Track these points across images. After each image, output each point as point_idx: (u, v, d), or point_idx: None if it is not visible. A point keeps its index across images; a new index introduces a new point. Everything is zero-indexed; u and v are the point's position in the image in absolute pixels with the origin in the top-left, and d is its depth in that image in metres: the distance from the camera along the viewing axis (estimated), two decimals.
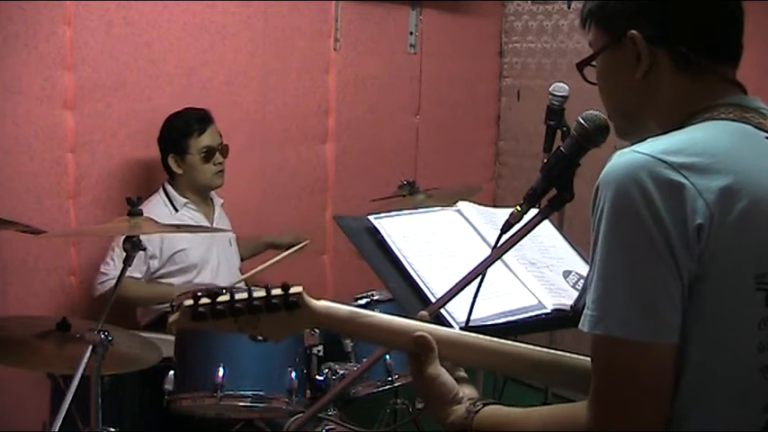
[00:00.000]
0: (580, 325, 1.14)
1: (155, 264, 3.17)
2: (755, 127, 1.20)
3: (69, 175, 3.26)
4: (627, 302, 1.09)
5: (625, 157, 1.13)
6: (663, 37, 1.23)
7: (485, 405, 1.30)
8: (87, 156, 3.30)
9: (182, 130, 3.24)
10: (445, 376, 1.32)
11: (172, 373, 2.51)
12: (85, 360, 2.17)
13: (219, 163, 3.28)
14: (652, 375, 1.11)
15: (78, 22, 3.22)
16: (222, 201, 3.43)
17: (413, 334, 1.34)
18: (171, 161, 3.25)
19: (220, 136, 3.31)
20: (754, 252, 1.12)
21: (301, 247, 3.38)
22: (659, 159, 1.10)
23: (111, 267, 3.09)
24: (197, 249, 3.25)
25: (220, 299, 1.25)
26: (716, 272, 1.10)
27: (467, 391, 1.32)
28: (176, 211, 3.24)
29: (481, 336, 1.38)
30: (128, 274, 2.99)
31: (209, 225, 3.32)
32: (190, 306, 1.25)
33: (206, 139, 3.24)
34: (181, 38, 3.50)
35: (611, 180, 1.12)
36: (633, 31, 1.24)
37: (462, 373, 1.36)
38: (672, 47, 1.23)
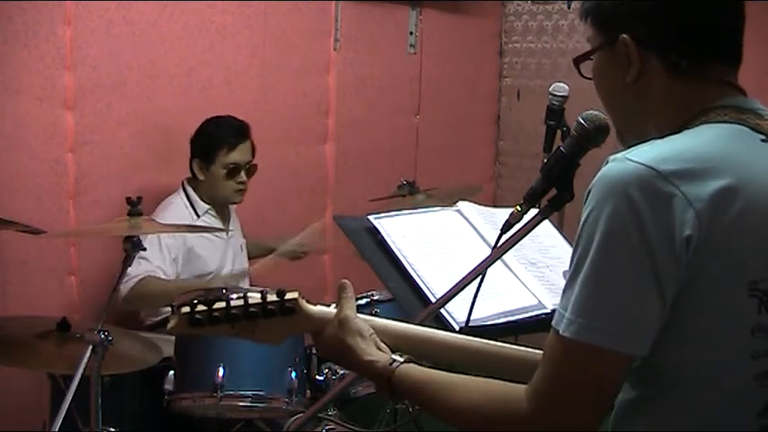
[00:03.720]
0: (553, 322, 1.14)
1: (178, 268, 3.13)
2: (752, 128, 1.19)
3: (69, 175, 3.26)
4: (604, 313, 1.09)
5: (617, 167, 1.12)
6: (653, 42, 1.23)
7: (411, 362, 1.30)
8: (87, 156, 3.30)
9: (213, 139, 3.18)
10: (361, 319, 1.33)
11: (172, 373, 2.51)
12: (85, 360, 2.17)
13: (242, 182, 3.21)
14: (610, 384, 1.12)
15: (78, 22, 3.21)
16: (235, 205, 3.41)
17: (406, 336, 1.34)
18: (195, 165, 3.21)
19: (253, 153, 3.26)
20: (747, 258, 1.11)
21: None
22: (651, 168, 1.10)
23: (135, 268, 2.92)
24: (214, 257, 3.24)
25: (216, 306, 1.26)
26: (706, 279, 1.10)
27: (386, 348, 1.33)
28: (198, 216, 3.22)
29: (471, 338, 1.39)
30: (154, 273, 2.99)
31: (225, 233, 3.29)
32: (187, 313, 1.26)
33: (235, 156, 3.18)
34: (181, 38, 3.49)
35: (602, 189, 1.12)
36: (624, 36, 1.24)
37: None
38: (662, 52, 1.23)
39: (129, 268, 2.88)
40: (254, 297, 1.28)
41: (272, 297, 1.27)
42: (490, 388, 1.22)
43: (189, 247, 3.16)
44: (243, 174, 3.21)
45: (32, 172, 3.17)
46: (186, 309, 1.26)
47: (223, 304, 1.26)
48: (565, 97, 2.71)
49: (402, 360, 1.30)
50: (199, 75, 3.57)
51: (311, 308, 1.33)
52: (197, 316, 1.26)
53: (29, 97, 3.13)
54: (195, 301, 1.27)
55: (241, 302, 1.27)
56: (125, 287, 2.98)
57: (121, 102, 3.36)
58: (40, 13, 3.12)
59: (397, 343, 1.35)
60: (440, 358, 1.40)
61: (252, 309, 1.27)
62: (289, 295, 1.28)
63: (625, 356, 1.10)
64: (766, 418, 1.13)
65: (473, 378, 1.26)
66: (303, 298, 1.32)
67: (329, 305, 1.38)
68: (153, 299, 2.99)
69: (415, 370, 1.29)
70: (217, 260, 3.25)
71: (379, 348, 1.33)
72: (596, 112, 1.51)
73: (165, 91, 3.47)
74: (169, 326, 1.29)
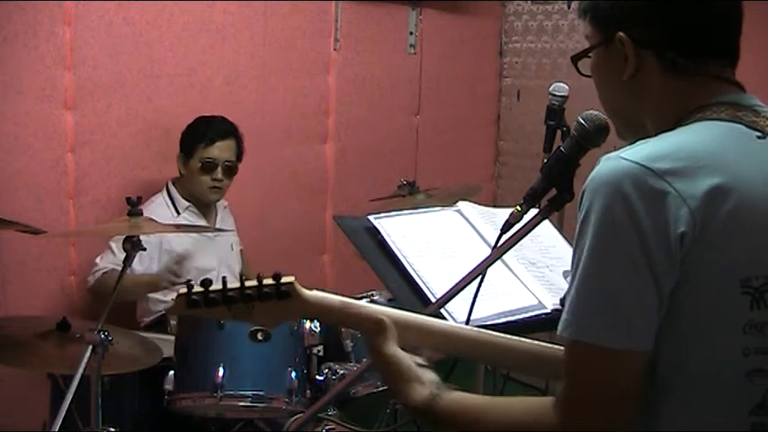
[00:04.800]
0: (559, 329, 1.15)
1: (153, 266, 3.11)
2: (747, 126, 1.20)
3: (69, 175, 3.26)
4: (600, 310, 1.10)
5: (610, 165, 1.13)
6: (650, 40, 1.24)
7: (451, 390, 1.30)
8: (87, 156, 3.30)
9: (196, 134, 3.22)
10: (403, 355, 1.32)
11: (172, 373, 2.51)
12: (85, 360, 2.17)
13: (218, 179, 3.21)
14: (621, 381, 1.12)
15: (78, 22, 3.22)
16: (226, 203, 3.41)
17: (426, 331, 1.35)
18: (179, 160, 3.25)
19: (238, 156, 3.28)
20: (740, 255, 1.12)
21: None
22: (644, 166, 1.11)
23: (106, 260, 3.06)
24: (196, 255, 3.21)
25: (213, 287, 1.30)
26: (699, 276, 1.10)
27: (429, 377, 1.32)
28: (178, 213, 3.23)
29: (469, 327, 1.40)
30: (118, 267, 2.98)
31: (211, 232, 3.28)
32: (184, 294, 1.30)
33: (213, 152, 3.19)
34: (181, 38, 3.50)
35: (596, 188, 1.12)
36: (621, 34, 1.24)
37: (421, 361, 1.34)
38: (659, 50, 1.23)
39: (98, 259, 3.09)
40: (250, 280, 1.31)
41: (268, 281, 1.30)
42: (524, 405, 1.22)
43: (167, 244, 3.14)
44: (219, 171, 3.21)
45: (32, 172, 3.17)
46: (184, 290, 1.30)
47: (220, 286, 1.30)
48: (565, 97, 2.70)
49: (442, 392, 1.29)
50: (199, 75, 3.57)
51: (307, 293, 1.34)
52: (194, 297, 1.29)
53: (29, 97, 3.13)
54: (193, 283, 1.30)
55: (237, 285, 1.30)
56: (93, 278, 3.08)
57: (121, 102, 3.36)
58: (40, 13, 3.12)
59: (418, 338, 1.35)
60: (451, 350, 1.41)
61: (248, 291, 1.30)
62: (284, 279, 1.31)
63: (633, 352, 1.10)
64: (759, 415, 1.14)
65: (511, 398, 1.26)
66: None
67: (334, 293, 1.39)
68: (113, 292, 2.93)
69: (457, 397, 1.28)
70: (199, 258, 3.21)
71: (419, 381, 1.30)
72: (596, 112, 1.51)
73: (165, 91, 3.47)
74: (167, 306, 1.32)
